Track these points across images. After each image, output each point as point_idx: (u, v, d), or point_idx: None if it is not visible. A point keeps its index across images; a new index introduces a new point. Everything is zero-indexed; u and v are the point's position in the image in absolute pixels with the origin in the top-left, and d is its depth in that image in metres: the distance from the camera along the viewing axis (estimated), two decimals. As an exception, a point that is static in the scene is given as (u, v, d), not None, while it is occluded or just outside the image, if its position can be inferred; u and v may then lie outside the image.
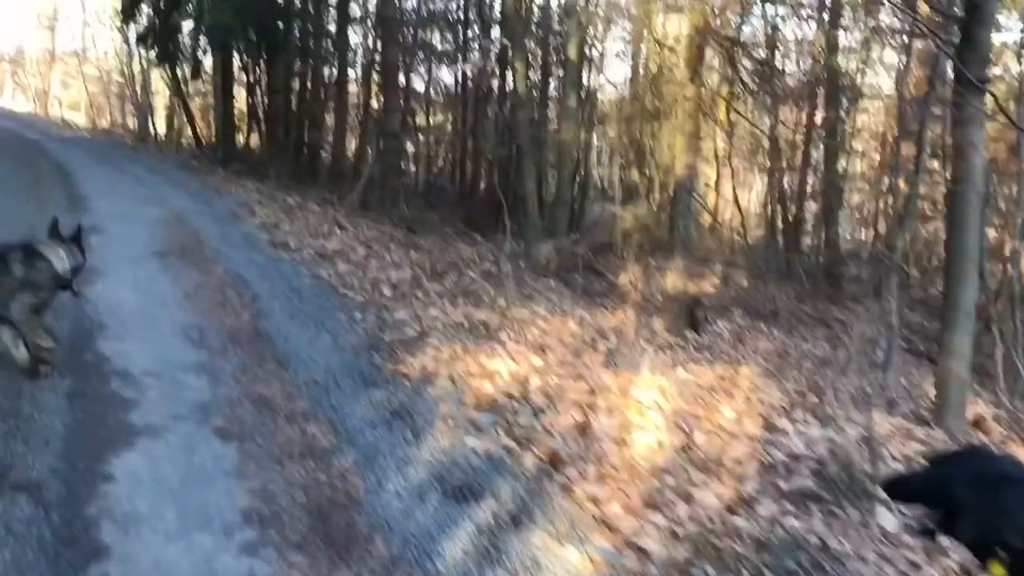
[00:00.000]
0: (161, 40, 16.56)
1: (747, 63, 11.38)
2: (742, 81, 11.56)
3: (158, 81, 29.73)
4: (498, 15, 17.18)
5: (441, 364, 5.36)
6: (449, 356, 5.52)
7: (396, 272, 7.84)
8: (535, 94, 13.09)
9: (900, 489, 2.92)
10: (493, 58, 13.89)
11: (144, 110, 27.56)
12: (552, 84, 14.98)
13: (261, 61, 17.52)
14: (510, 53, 11.74)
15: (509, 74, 13.69)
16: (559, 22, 13.15)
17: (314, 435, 4.33)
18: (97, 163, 14.37)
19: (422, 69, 19.86)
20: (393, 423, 4.52)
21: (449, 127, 21.98)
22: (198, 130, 22.65)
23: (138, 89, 29.65)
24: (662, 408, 4.89)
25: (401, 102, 14.43)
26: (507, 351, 5.84)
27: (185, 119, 26.07)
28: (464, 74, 21.05)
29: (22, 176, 12.39)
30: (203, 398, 4.67)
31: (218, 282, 7.03)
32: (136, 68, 29.79)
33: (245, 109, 22.32)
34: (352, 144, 20.49)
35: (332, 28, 17.32)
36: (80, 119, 35.63)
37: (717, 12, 9.81)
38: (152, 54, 19.63)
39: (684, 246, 9.33)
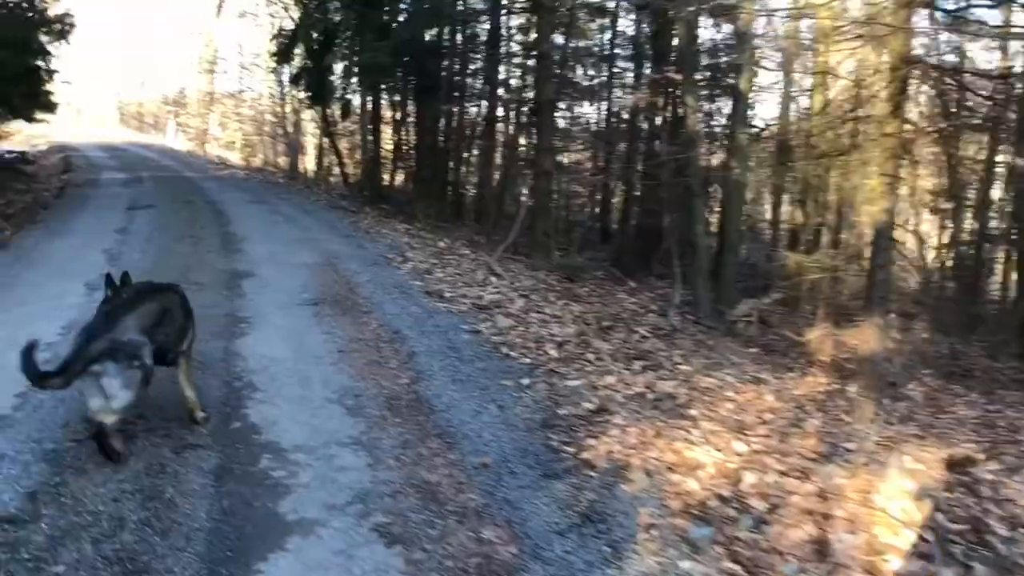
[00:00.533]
0: (313, 81, 16.75)
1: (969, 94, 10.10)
2: (957, 114, 10.27)
3: (308, 121, 30.81)
4: (648, 48, 16.54)
5: (630, 450, 4.54)
6: (638, 439, 4.69)
7: (560, 328, 7.10)
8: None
9: None
10: (644, 92, 13.09)
11: (295, 149, 28.40)
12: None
13: (409, 100, 17.44)
14: (666, 87, 10.87)
15: (661, 109, 12.98)
16: (727, 54, 12.32)
17: (491, 542, 3.59)
18: (250, 202, 14.51)
19: (561, 105, 19.39)
20: (584, 531, 3.73)
21: (589, 164, 21.36)
22: (345, 169, 22.93)
23: (289, 129, 30.71)
24: (916, 521, 3.87)
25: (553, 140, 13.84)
26: (702, 432, 4.95)
27: (334, 158, 26.74)
28: (609, 110, 20.43)
29: (180, 214, 12.56)
30: (362, 483, 4.04)
31: (373, 336, 6.50)
32: (288, 108, 31.02)
33: (391, 148, 22.51)
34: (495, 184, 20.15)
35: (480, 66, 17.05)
36: (235, 158, 37.40)
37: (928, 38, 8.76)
38: (303, 94, 19.97)
39: (883, 300, 8.12)
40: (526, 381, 5.61)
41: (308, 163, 29.72)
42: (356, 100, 18.53)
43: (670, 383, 5.77)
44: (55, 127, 30.61)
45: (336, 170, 26.78)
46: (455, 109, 17.66)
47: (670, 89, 10.58)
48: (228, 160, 33.76)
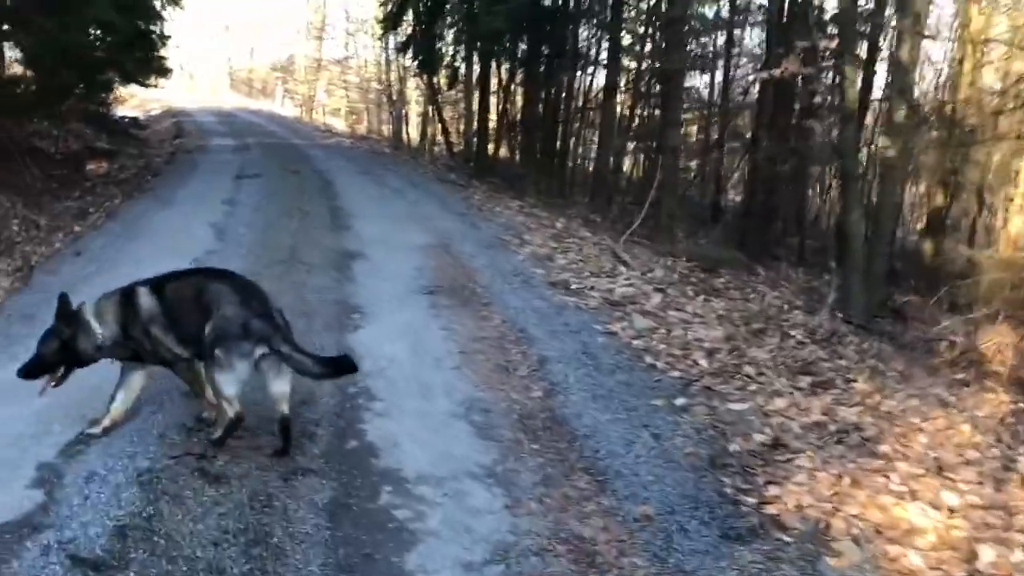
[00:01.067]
0: (422, 47, 16.11)
1: None
2: None
3: (413, 89, 30.40)
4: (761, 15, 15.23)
5: (825, 503, 3.69)
6: (830, 488, 3.83)
7: (705, 330, 6.22)
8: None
9: None
10: (792, 61, 11.82)
11: (399, 118, 28.00)
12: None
13: (521, 68, 16.61)
14: (817, 56, 9.66)
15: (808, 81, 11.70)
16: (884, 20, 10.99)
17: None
18: (357, 172, 14.07)
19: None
20: (793, 629, 2.92)
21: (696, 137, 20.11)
22: (450, 139, 22.37)
23: (394, 96, 30.36)
24: None
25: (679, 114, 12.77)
26: (901, 478, 4.05)
27: (438, 127, 26.21)
28: (726, 80, 19.12)
29: (287, 185, 12.18)
30: (500, 533, 3.33)
31: (496, 334, 5.79)
32: (393, 76, 30.62)
33: (495, 119, 21.80)
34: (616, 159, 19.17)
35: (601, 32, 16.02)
36: (340, 124, 37.43)
37: None
38: (410, 62, 19.36)
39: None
40: (680, 401, 4.79)
41: (411, 132, 29.33)
42: (463, 68, 17.79)
43: (851, 409, 4.84)
44: (168, 91, 31.18)
45: (440, 139, 26.35)
46: (567, 79, 16.73)
47: (823, 58, 9.40)
48: (334, 127, 33.77)
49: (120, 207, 10.00)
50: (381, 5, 18.93)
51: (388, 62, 30.94)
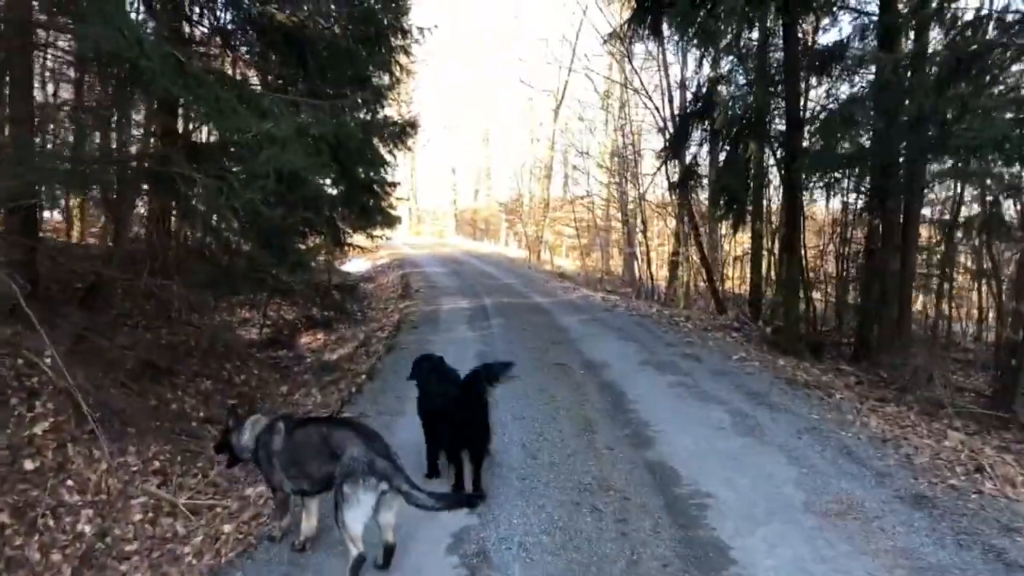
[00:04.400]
0: (732, 173, 11.87)
1: None
2: None
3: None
4: None
5: None
6: None
7: None
8: None
9: None
10: None
11: (631, 262, 24.33)
12: None
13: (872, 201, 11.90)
14: None
15: None
16: None
17: None
18: (641, 362, 9.73)
19: None
20: None
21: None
22: (718, 292, 18.00)
23: (637, 238, 26.86)
24: None
25: None
26: None
27: (689, 276, 22.09)
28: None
29: (555, 393, 8.16)
30: None
31: None
32: (635, 214, 27.27)
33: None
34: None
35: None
36: (567, 265, 34.42)
37: None
38: (708, 201, 15.18)
39: None
40: None
41: (651, 271, 25.47)
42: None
43: None
44: (397, 234, 29.59)
45: (691, 288, 22.12)
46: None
47: None
48: (563, 270, 30.69)
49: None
50: (660, 130, 15.13)
51: (630, 199, 27.78)
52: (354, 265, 27.86)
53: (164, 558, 4.93)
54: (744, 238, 23.36)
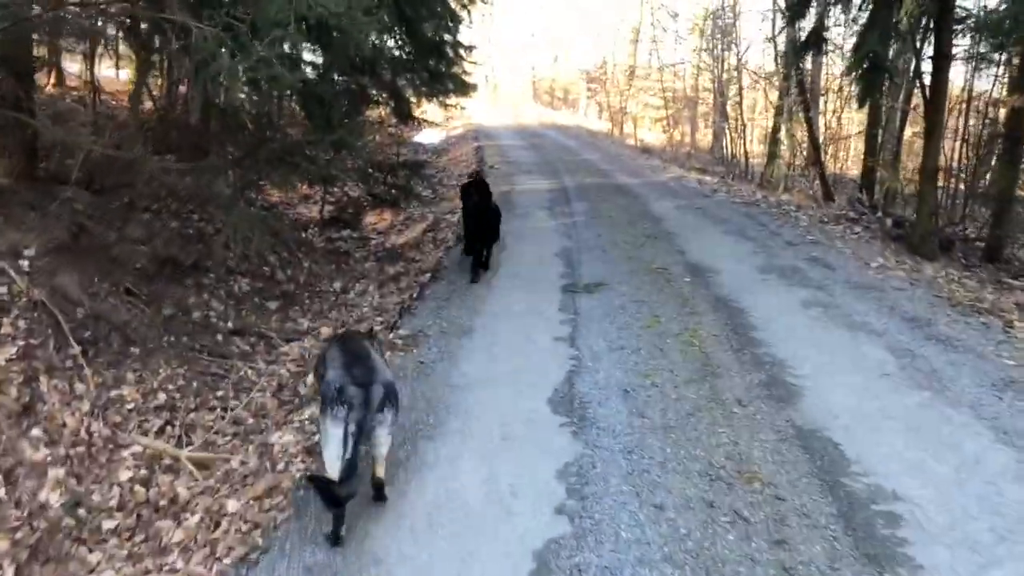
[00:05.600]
0: (875, 39, 9.55)
1: None
2: None
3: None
4: None
5: None
6: None
7: None
8: None
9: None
10: None
11: (719, 135, 22.04)
12: None
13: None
14: None
15: None
16: None
17: None
18: (758, 268, 8.07)
19: None
20: None
21: None
22: (826, 177, 15.79)
23: (728, 109, 24.39)
24: None
25: None
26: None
27: (791, 155, 19.77)
28: None
29: (653, 304, 6.64)
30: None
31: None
32: (731, 84, 24.74)
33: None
34: None
35: None
36: (651, 138, 32.01)
37: None
38: (844, 65, 12.67)
39: None
40: None
41: (745, 149, 23.19)
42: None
43: None
44: (473, 102, 27.71)
45: (797, 170, 19.81)
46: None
47: None
48: (648, 144, 28.45)
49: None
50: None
51: (719, 64, 25.10)
52: (426, 135, 26.20)
53: (148, 545, 3.69)
54: (853, 116, 20.84)
